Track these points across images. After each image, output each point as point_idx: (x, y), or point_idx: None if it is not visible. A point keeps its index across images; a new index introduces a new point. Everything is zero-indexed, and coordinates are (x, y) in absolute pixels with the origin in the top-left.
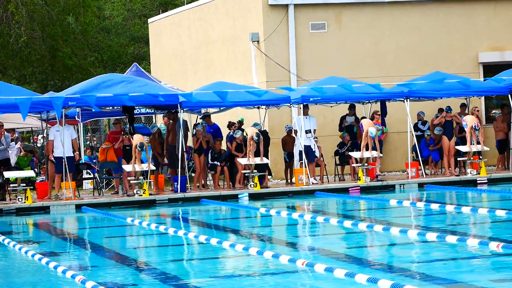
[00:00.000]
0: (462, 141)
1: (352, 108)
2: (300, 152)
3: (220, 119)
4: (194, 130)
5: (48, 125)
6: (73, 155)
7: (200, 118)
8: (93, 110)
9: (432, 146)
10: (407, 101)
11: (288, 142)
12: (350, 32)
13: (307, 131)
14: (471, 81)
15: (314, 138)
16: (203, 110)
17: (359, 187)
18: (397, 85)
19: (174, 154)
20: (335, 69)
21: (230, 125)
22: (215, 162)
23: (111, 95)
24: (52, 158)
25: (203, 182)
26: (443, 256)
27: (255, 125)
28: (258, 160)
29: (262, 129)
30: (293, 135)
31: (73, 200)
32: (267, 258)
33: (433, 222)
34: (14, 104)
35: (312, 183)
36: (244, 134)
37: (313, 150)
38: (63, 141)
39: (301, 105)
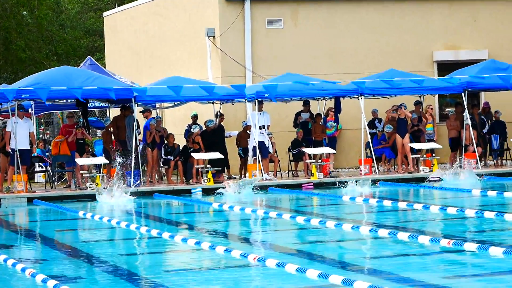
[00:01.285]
0: (415, 138)
1: (306, 104)
2: (254, 148)
3: (175, 114)
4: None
5: (0, 118)
6: (29, 147)
7: (140, 112)
8: (45, 103)
9: (385, 143)
10: (361, 98)
11: (243, 137)
12: (306, 28)
13: (261, 127)
14: (424, 80)
15: (268, 134)
16: (157, 105)
17: (312, 183)
18: (351, 82)
19: (126, 149)
20: (291, 65)
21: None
22: (169, 157)
23: (64, 88)
24: (9, 150)
25: (156, 177)
26: (394, 253)
27: (209, 122)
28: (212, 155)
29: (216, 125)
30: (248, 131)
31: (25, 193)
32: (219, 253)
33: (385, 219)
34: None
35: (266, 179)
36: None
37: (267, 146)
38: (15, 133)
39: (256, 101)
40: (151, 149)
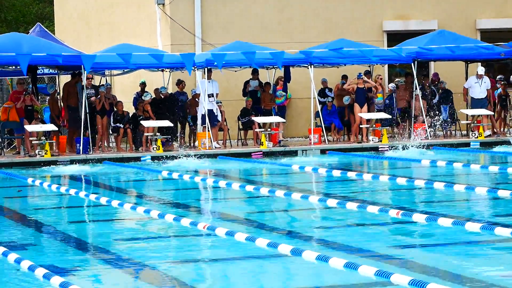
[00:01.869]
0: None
1: (255, 72)
2: (203, 116)
3: (124, 81)
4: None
5: None
6: None
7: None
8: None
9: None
10: (311, 67)
11: (192, 105)
12: None
13: (210, 95)
14: (372, 50)
15: (217, 103)
16: (107, 72)
17: (261, 152)
18: (299, 52)
19: (76, 116)
20: (241, 34)
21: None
22: (118, 124)
23: (13, 54)
24: None
25: (105, 144)
26: (343, 223)
27: (161, 88)
28: (161, 123)
29: (168, 93)
30: (197, 99)
31: None
32: (168, 221)
33: (334, 189)
34: None
35: (215, 147)
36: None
37: (216, 114)
38: None
39: (205, 69)
40: (101, 116)
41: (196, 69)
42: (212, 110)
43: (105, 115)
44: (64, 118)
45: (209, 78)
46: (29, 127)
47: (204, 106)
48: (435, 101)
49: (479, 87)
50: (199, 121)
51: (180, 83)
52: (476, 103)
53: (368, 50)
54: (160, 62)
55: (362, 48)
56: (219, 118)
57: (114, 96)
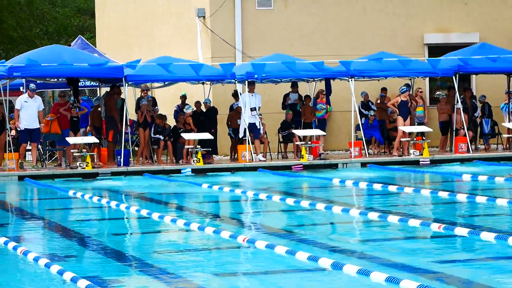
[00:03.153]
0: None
1: (294, 85)
2: (245, 130)
3: (164, 94)
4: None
5: None
6: (39, 126)
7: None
8: (37, 81)
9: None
10: (351, 80)
11: (234, 118)
12: (296, 10)
13: (252, 109)
14: (414, 61)
15: (259, 115)
16: (148, 85)
17: (302, 165)
18: (339, 62)
19: (116, 128)
20: (280, 46)
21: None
22: (158, 136)
23: (55, 65)
24: (19, 128)
25: (146, 156)
26: (384, 236)
27: (206, 100)
28: (202, 136)
29: (211, 105)
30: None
31: (16, 171)
32: (208, 234)
33: (375, 202)
34: None
35: (260, 160)
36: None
37: (258, 127)
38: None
39: (246, 82)
40: (143, 129)
41: (236, 81)
42: (254, 123)
43: (147, 128)
44: (107, 130)
45: (251, 91)
46: (71, 139)
47: (245, 119)
48: (476, 114)
49: None
50: (240, 134)
51: (144, 90)
52: None
53: (409, 61)
54: (198, 74)
55: (404, 61)
56: (261, 131)
57: (156, 108)
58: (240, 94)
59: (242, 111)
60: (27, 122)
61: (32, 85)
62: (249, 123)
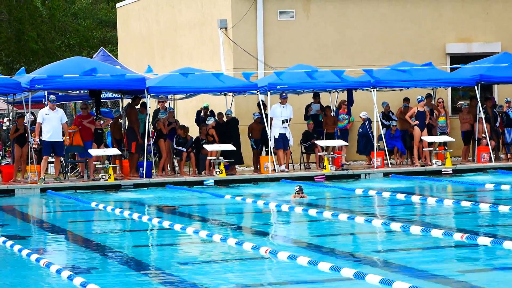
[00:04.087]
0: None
1: (316, 96)
2: (275, 140)
3: (187, 105)
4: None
5: (14, 108)
6: (62, 139)
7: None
8: (58, 93)
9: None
10: (373, 90)
11: (255, 129)
12: (318, 20)
13: (284, 121)
14: (439, 70)
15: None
16: (170, 96)
17: (324, 176)
18: (363, 70)
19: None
20: (303, 57)
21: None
22: (180, 148)
23: (77, 76)
24: (38, 140)
25: (168, 168)
26: (407, 246)
27: (228, 111)
28: (224, 147)
29: (232, 116)
30: (259, 122)
31: (38, 183)
32: (230, 245)
33: (398, 212)
34: None
35: (282, 171)
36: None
37: (288, 138)
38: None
39: (268, 92)
40: (164, 140)
41: (258, 92)
42: (285, 134)
43: (167, 139)
44: (129, 142)
45: (283, 103)
46: (93, 151)
47: (274, 130)
48: (497, 124)
49: None
50: (271, 145)
51: (161, 101)
52: None
53: (431, 70)
54: (219, 82)
55: (426, 71)
56: (291, 142)
57: (176, 120)
58: (261, 103)
59: (273, 122)
60: (50, 134)
61: (52, 97)
62: (280, 134)
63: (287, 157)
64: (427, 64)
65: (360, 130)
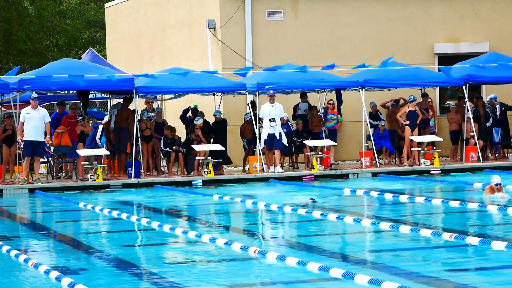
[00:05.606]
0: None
1: (303, 96)
2: (265, 140)
3: (175, 105)
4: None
5: (3, 109)
6: (42, 139)
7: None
8: (48, 94)
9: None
10: (362, 90)
11: (247, 129)
12: (306, 20)
13: (272, 120)
14: (427, 70)
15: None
16: (158, 96)
17: (313, 176)
18: (352, 68)
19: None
20: (291, 57)
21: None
22: (168, 149)
23: (66, 76)
24: (20, 141)
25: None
26: (396, 246)
27: (216, 112)
28: (212, 147)
29: (221, 117)
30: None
31: (26, 184)
32: (219, 246)
33: (387, 212)
34: None
35: (278, 172)
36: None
37: (278, 138)
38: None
39: (257, 92)
40: (146, 142)
41: (247, 92)
42: (274, 134)
43: (151, 140)
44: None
45: (271, 101)
46: (81, 152)
47: (260, 130)
48: (488, 124)
49: None
50: (260, 145)
51: (149, 102)
52: None
53: (419, 70)
54: (208, 82)
55: (414, 71)
56: (285, 142)
57: (165, 120)
58: (251, 103)
59: (263, 122)
60: (30, 134)
61: (34, 94)
62: (268, 134)
63: (276, 158)
64: (417, 68)
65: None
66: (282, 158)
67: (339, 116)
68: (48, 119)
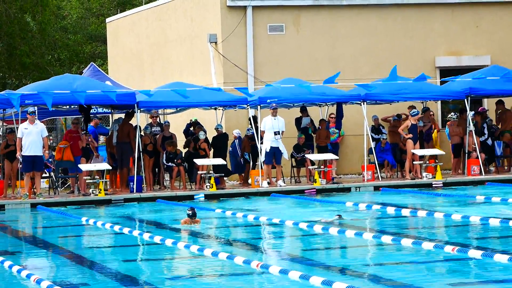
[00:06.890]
0: (421, 145)
1: (304, 110)
2: (266, 154)
3: (177, 120)
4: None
5: (4, 123)
6: (41, 154)
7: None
8: (49, 109)
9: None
10: (364, 104)
11: (246, 145)
12: (308, 34)
13: (276, 133)
14: (428, 84)
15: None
16: (160, 111)
17: (315, 189)
18: (355, 85)
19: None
20: (293, 71)
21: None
22: (170, 164)
23: (68, 92)
24: (19, 157)
25: (156, 183)
26: (398, 259)
27: (218, 126)
28: (214, 161)
29: (223, 131)
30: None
31: (28, 199)
32: (222, 259)
33: (389, 225)
34: None
35: (280, 185)
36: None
37: (281, 152)
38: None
39: (259, 106)
40: (149, 156)
41: (248, 106)
42: (277, 147)
43: (153, 156)
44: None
45: (274, 114)
46: (83, 166)
47: (266, 143)
48: (482, 139)
49: None
50: (261, 158)
51: (153, 116)
52: None
53: (421, 84)
54: (209, 96)
55: (416, 85)
56: (285, 156)
57: (173, 134)
58: (252, 118)
59: (265, 135)
60: (29, 149)
61: (30, 109)
62: (271, 147)
63: (278, 171)
64: (421, 76)
65: (231, 149)
66: (279, 171)
67: (340, 129)
68: (46, 133)
